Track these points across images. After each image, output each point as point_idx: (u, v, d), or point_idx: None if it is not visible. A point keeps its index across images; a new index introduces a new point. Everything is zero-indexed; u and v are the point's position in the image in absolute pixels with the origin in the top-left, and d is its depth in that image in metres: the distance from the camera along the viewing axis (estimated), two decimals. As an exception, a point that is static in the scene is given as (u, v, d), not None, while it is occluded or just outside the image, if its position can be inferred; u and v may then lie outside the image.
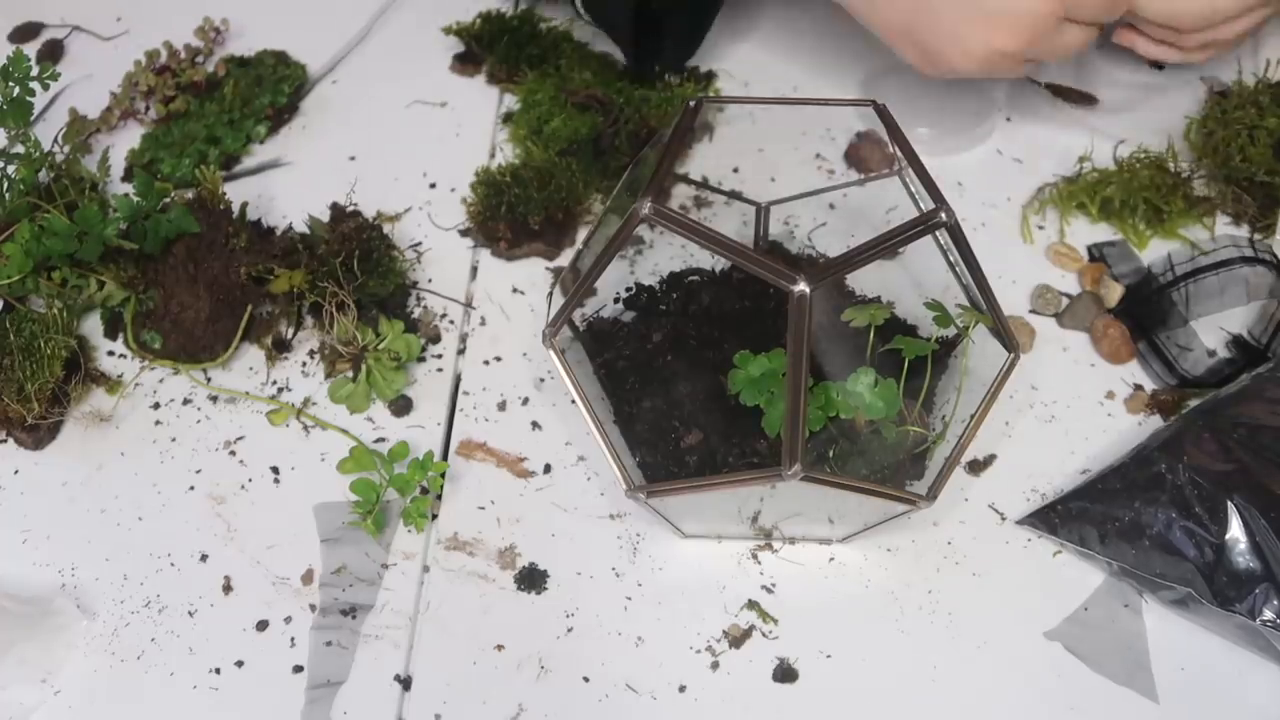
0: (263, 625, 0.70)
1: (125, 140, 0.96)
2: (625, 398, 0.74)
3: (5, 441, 0.78)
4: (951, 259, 0.74)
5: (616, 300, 0.81)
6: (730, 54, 1.01)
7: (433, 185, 0.92)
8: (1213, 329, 0.82)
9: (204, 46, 1.00)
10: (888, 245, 0.61)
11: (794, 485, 0.59)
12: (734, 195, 0.89)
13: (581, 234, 0.89)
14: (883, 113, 0.69)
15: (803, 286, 0.57)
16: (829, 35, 1.04)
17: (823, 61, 1.01)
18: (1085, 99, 0.96)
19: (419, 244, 0.88)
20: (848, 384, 0.67)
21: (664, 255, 0.86)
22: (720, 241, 0.59)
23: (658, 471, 0.71)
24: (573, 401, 0.67)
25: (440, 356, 0.82)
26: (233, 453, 0.78)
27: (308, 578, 0.72)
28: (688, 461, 0.71)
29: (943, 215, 0.61)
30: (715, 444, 0.71)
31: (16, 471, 0.77)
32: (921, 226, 0.61)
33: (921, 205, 0.76)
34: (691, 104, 0.68)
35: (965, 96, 0.94)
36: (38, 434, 0.78)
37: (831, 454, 0.69)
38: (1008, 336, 0.69)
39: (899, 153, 0.67)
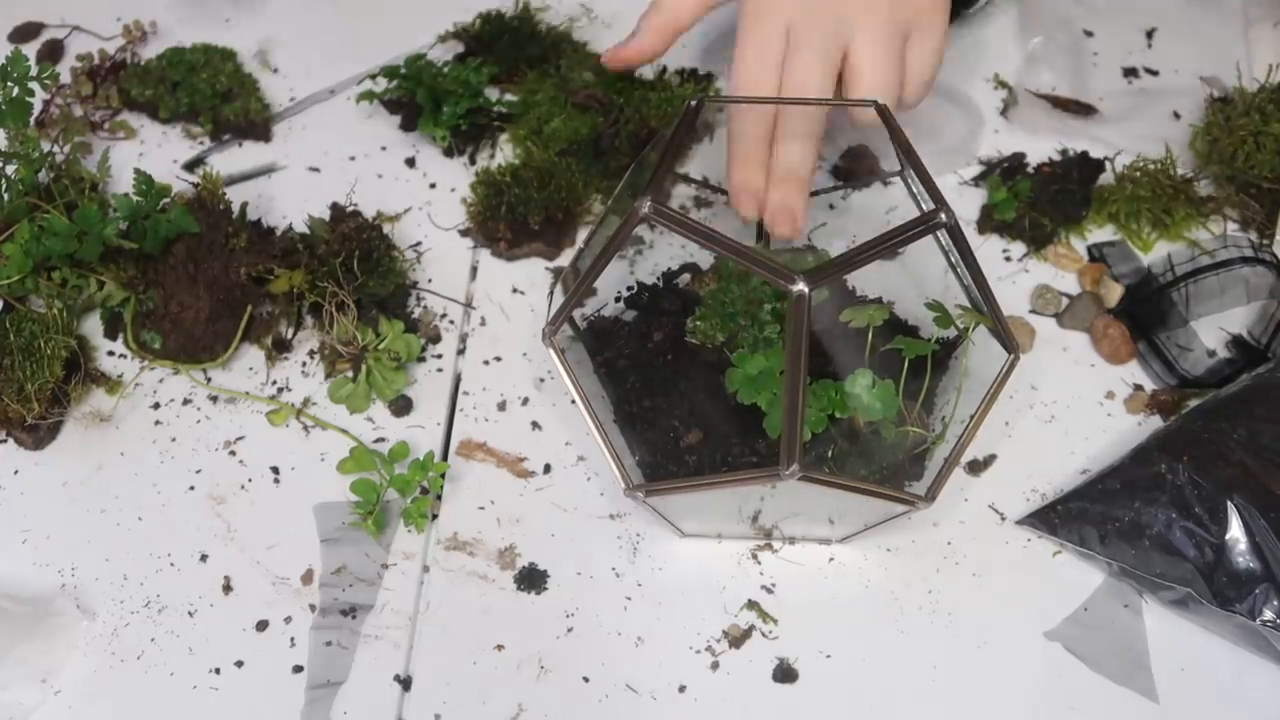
0: (263, 625, 0.70)
1: (126, 141, 0.96)
2: (625, 397, 0.74)
3: (5, 441, 0.78)
4: (952, 259, 0.74)
5: (617, 299, 0.81)
6: (730, 54, 1.01)
7: (433, 185, 0.92)
8: (1213, 329, 0.82)
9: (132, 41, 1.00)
10: (888, 245, 0.61)
11: (792, 485, 0.59)
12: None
13: (581, 234, 0.89)
14: (883, 113, 0.69)
15: (801, 286, 0.57)
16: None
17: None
18: (1083, 109, 0.96)
19: (419, 244, 0.88)
20: (846, 385, 0.67)
21: (664, 255, 0.86)
22: (720, 241, 0.59)
23: (658, 471, 0.71)
24: (572, 401, 0.67)
25: (440, 356, 0.82)
26: (233, 453, 0.78)
27: (308, 578, 0.72)
28: (687, 461, 0.71)
29: (943, 216, 0.61)
30: (715, 443, 0.71)
31: (16, 471, 0.77)
32: (922, 227, 0.61)
33: (923, 207, 0.76)
34: (692, 104, 0.68)
35: (956, 114, 0.94)
36: (38, 434, 0.78)
37: (831, 454, 0.69)
38: (1008, 337, 0.69)
39: (900, 153, 0.67)
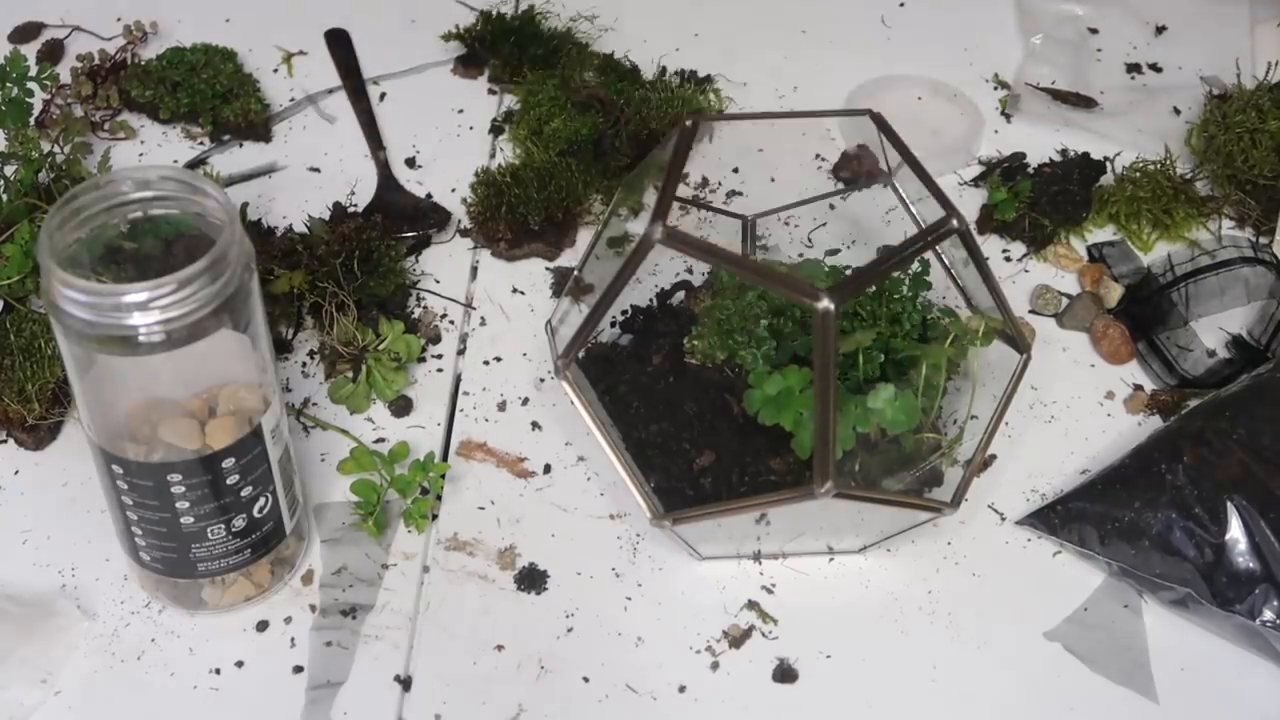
0: (263, 625, 0.70)
1: (126, 142, 0.96)
2: (633, 423, 0.73)
3: (5, 442, 0.78)
4: (946, 262, 0.74)
5: (613, 324, 0.80)
6: (729, 53, 1.01)
7: (432, 187, 0.92)
8: (1213, 329, 0.82)
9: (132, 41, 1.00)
10: (905, 256, 0.61)
11: (824, 502, 0.59)
12: (720, 210, 0.87)
13: (582, 234, 0.89)
14: (879, 122, 0.69)
15: (827, 303, 0.57)
16: (826, 36, 1.04)
17: (821, 62, 1.01)
18: (1085, 102, 0.96)
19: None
20: (868, 399, 0.67)
21: (667, 271, 0.85)
22: (739, 262, 0.59)
23: (674, 496, 0.70)
24: (588, 434, 0.66)
25: (440, 357, 0.82)
26: (233, 453, 0.78)
27: (308, 578, 0.72)
28: (703, 484, 0.70)
29: (954, 223, 0.61)
30: (729, 463, 0.70)
31: (17, 472, 0.77)
32: (935, 235, 0.61)
33: (914, 211, 0.76)
34: (689, 123, 0.67)
35: (956, 114, 0.94)
36: (38, 434, 0.78)
37: (857, 468, 0.69)
38: (1019, 338, 0.69)
39: (894, 161, 0.67)
